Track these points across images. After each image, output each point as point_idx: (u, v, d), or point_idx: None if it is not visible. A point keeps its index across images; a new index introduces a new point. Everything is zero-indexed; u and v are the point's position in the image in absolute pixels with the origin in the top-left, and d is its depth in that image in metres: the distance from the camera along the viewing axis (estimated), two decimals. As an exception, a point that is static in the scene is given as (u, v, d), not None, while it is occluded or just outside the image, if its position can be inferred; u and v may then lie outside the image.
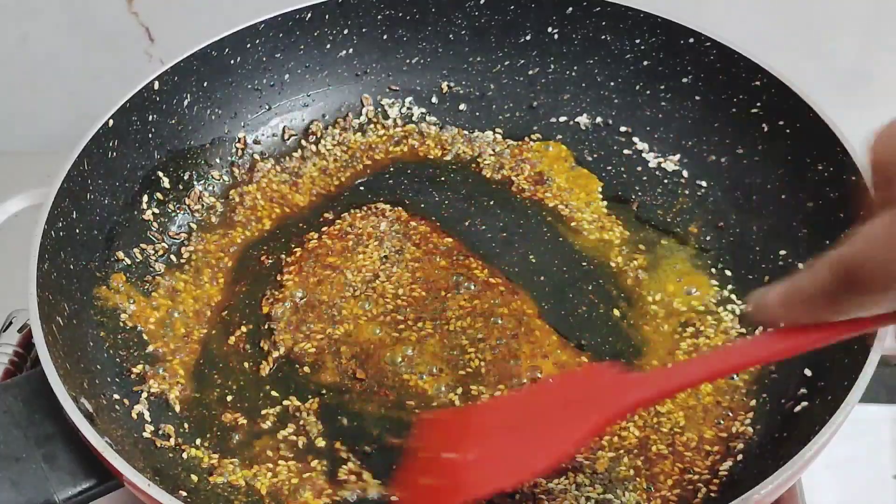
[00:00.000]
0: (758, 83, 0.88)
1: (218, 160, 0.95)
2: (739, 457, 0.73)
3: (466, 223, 0.90)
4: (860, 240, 0.46)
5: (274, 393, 0.79)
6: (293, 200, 0.93)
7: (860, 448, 0.84)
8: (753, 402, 0.76)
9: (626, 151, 0.95)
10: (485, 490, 0.63)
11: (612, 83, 0.97)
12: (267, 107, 0.97)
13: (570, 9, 0.96)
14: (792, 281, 0.50)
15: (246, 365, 0.81)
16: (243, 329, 0.83)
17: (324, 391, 0.79)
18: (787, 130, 0.86)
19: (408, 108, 1.00)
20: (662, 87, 0.94)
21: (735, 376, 0.77)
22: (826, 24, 1.02)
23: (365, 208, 0.91)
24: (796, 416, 0.72)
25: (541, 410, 0.65)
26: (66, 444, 0.69)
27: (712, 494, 0.71)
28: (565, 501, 0.70)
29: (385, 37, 0.99)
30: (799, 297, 0.49)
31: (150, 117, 0.89)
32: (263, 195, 0.93)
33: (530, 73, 0.99)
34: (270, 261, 0.88)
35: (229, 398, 0.79)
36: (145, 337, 0.82)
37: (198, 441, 0.76)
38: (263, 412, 0.78)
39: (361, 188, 0.94)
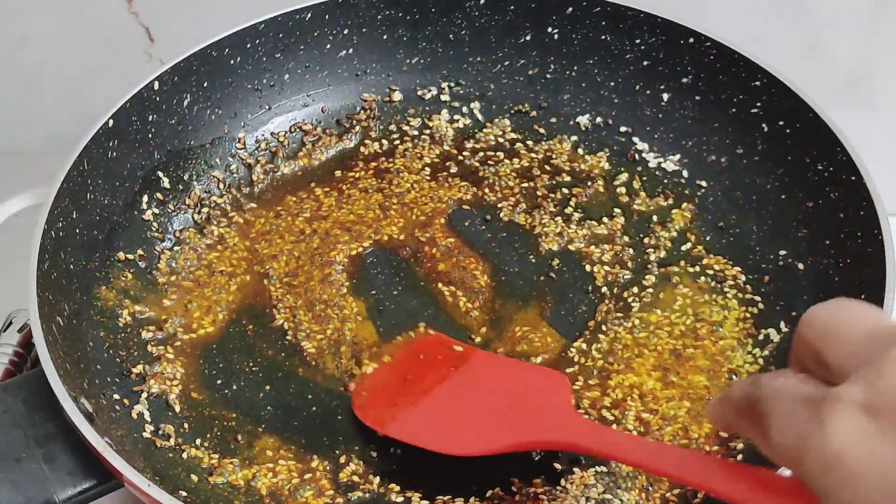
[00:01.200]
0: (758, 83, 0.88)
1: (218, 160, 0.95)
2: (739, 457, 0.73)
3: (467, 223, 0.90)
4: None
5: (273, 393, 0.79)
6: (293, 200, 0.93)
7: (860, 448, 0.83)
8: (753, 402, 0.76)
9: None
10: (404, 439, 0.71)
11: (612, 83, 0.97)
12: (267, 107, 0.97)
13: (570, 9, 0.96)
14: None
15: (246, 365, 0.81)
16: (245, 328, 0.83)
17: (324, 391, 0.79)
18: (787, 130, 0.86)
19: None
20: (662, 87, 0.94)
21: (733, 376, 0.77)
22: (826, 24, 1.02)
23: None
24: (796, 416, 0.72)
25: (490, 398, 0.70)
26: (66, 444, 0.69)
27: (713, 496, 0.70)
28: (566, 501, 0.70)
29: (385, 37, 0.99)
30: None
31: (150, 117, 0.89)
32: (264, 195, 0.93)
33: (530, 73, 0.99)
34: (271, 261, 0.88)
35: (230, 398, 0.79)
36: (145, 337, 0.82)
37: (198, 441, 0.76)
38: (263, 412, 0.78)
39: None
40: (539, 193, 0.91)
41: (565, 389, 0.69)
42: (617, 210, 0.90)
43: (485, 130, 0.98)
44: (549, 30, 0.98)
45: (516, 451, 0.67)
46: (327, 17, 0.97)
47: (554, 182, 0.92)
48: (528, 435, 0.66)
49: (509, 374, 0.73)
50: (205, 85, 0.93)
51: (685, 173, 0.92)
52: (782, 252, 0.84)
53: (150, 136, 0.90)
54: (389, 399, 0.74)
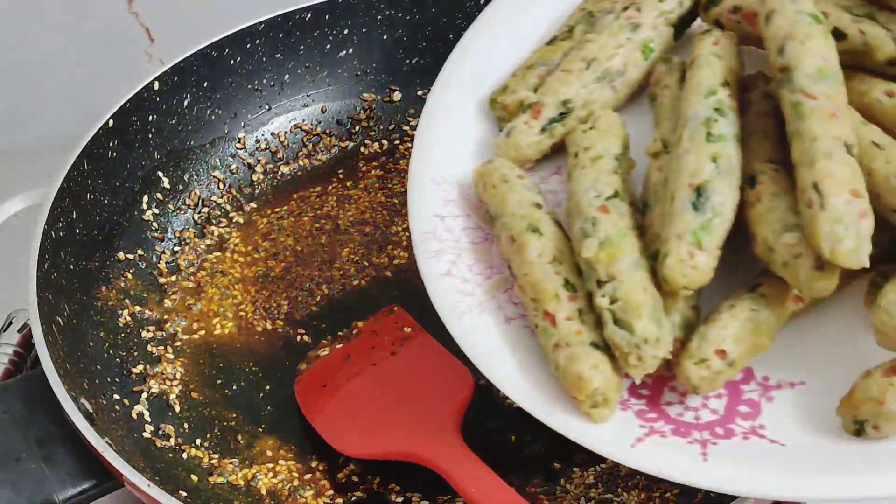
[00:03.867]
0: (758, 83, 0.87)
1: (218, 160, 0.95)
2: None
3: (466, 223, 0.90)
4: None
5: (273, 393, 0.79)
6: (293, 200, 0.93)
7: (860, 448, 0.83)
8: (753, 402, 0.76)
9: (626, 151, 0.95)
10: (314, 425, 0.75)
11: (612, 83, 0.97)
12: (267, 107, 0.97)
13: (570, 9, 0.96)
14: None
15: (246, 365, 0.81)
16: (245, 328, 0.83)
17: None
18: (787, 130, 0.86)
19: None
20: (662, 87, 0.94)
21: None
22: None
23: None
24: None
25: (397, 394, 0.74)
26: (66, 444, 0.69)
27: (712, 494, 0.70)
28: (566, 501, 0.70)
29: (385, 37, 0.99)
30: None
31: (150, 117, 0.89)
32: (265, 195, 0.94)
33: (530, 73, 0.99)
34: (272, 261, 0.88)
35: (230, 398, 0.79)
36: (145, 337, 0.82)
37: (198, 441, 0.76)
38: (263, 412, 0.78)
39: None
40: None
41: (463, 395, 0.72)
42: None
43: (485, 130, 0.98)
44: (549, 30, 0.98)
45: (390, 458, 0.71)
46: (327, 17, 0.97)
47: (554, 182, 0.92)
48: (401, 446, 0.70)
49: (429, 365, 0.76)
50: (205, 85, 0.93)
51: (685, 173, 0.92)
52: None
53: (150, 136, 0.90)
54: (322, 380, 0.77)
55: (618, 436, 0.60)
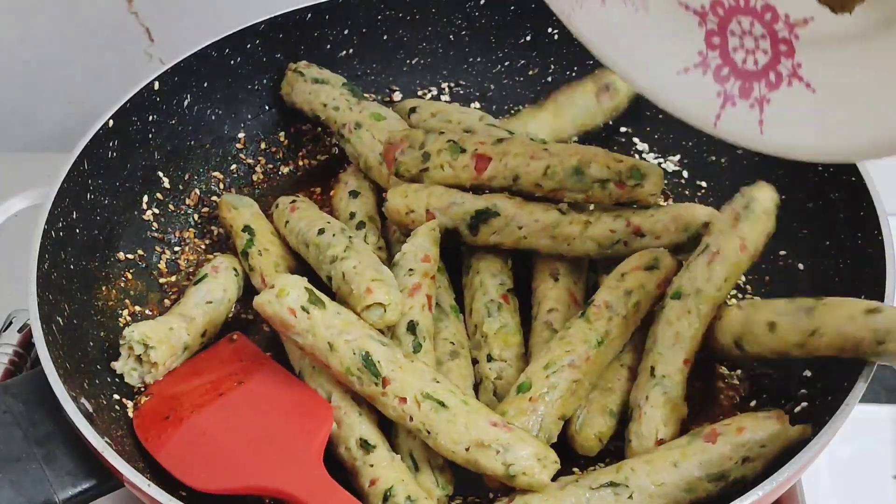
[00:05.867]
0: (758, 83, 0.87)
1: (218, 160, 0.95)
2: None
3: (466, 223, 0.90)
4: None
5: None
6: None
7: (860, 448, 0.84)
8: (753, 402, 0.76)
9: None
10: (159, 459, 0.70)
11: (612, 83, 0.97)
12: (267, 107, 0.97)
13: (571, 9, 0.96)
14: None
15: (246, 365, 0.81)
16: (245, 328, 0.83)
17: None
18: (787, 130, 0.86)
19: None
20: (662, 87, 0.94)
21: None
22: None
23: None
24: (796, 416, 0.72)
25: (248, 429, 0.70)
26: (66, 444, 0.69)
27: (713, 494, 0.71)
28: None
29: (385, 37, 0.99)
30: None
31: (150, 117, 0.89)
32: (265, 195, 0.93)
33: (530, 73, 0.99)
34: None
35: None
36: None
37: (198, 441, 0.76)
38: (263, 412, 0.78)
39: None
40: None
41: (324, 429, 0.69)
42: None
43: (485, 130, 0.98)
44: (550, 30, 0.98)
45: (250, 493, 0.68)
46: (327, 17, 0.97)
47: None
48: (263, 481, 0.67)
49: (282, 396, 0.72)
50: (205, 85, 0.93)
51: (685, 173, 0.92)
52: (782, 252, 0.84)
53: (150, 136, 0.90)
54: (165, 411, 0.73)
55: (703, 110, 0.64)
